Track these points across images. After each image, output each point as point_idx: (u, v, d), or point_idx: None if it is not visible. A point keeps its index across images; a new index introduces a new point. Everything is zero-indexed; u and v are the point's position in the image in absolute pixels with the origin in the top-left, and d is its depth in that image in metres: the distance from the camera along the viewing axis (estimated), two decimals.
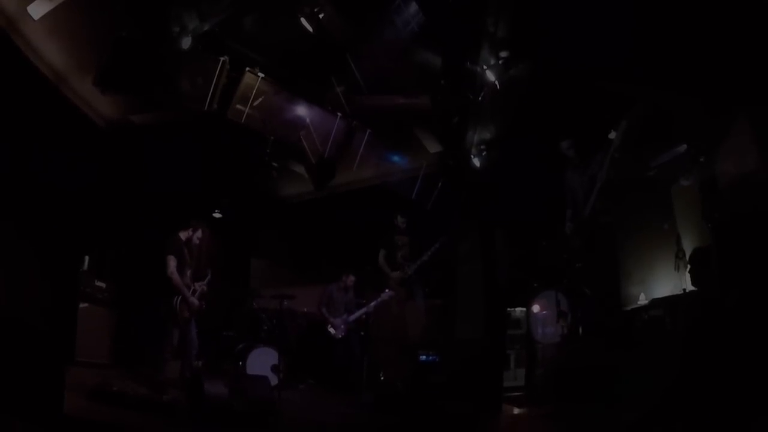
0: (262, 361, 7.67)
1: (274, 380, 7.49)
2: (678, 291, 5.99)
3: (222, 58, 7.34)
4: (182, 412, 5.73)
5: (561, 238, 6.77)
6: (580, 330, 6.62)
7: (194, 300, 6.92)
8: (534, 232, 7.98)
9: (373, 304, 8.40)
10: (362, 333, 8.62)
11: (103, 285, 7.55)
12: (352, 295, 8.71)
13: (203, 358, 7.60)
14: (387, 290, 8.27)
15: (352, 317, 8.42)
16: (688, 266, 5.84)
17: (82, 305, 7.14)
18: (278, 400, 6.31)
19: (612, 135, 5.95)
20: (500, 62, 7.71)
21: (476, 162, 8.42)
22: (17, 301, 5.82)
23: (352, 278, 8.65)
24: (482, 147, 8.39)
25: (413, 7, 7.21)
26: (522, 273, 8.21)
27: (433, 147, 8.96)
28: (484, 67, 7.76)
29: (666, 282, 6.39)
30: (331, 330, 8.42)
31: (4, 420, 4.50)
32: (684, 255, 5.94)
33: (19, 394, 4.72)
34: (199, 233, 7.28)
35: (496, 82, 7.76)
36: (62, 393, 4.79)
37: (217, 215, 9.14)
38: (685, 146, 6.86)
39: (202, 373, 7.05)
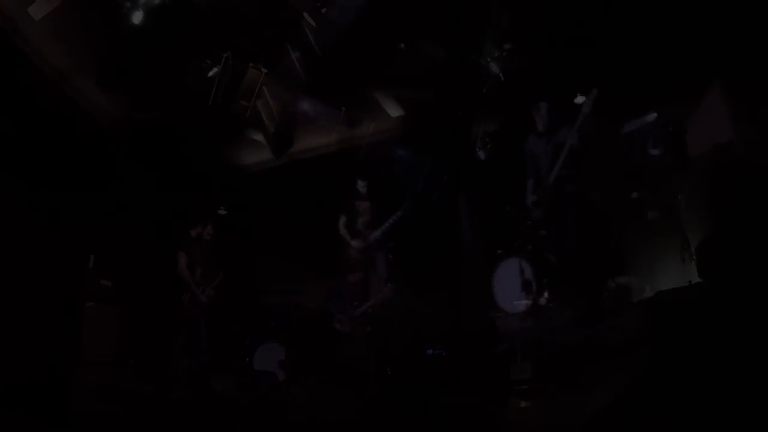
0: (269, 357, 7.71)
1: (281, 376, 7.53)
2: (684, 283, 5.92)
3: (225, 54, 7.33)
4: (189, 409, 5.74)
5: (524, 205, 6.56)
6: (545, 298, 6.47)
7: (203, 297, 6.95)
8: (497, 197, 7.74)
9: (379, 296, 8.34)
10: (368, 328, 8.59)
11: (109, 283, 7.57)
12: (359, 290, 8.65)
13: (210, 354, 7.63)
14: (389, 285, 8.14)
15: (358, 312, 8.36)
16: (694, 258, 5.76)
17: (88, 304, 7.16)
18: (286, 395, 6.33)
19: (579, 99, 5.80)
20: (504, 54, 7.66)
21: (481, 155, 8.39)
22: (22, 301, 5.84)
23: (359, 273, 8.54)
24: (486, 139, 8.36)
25: None
26: (486, 239, 8.06)
27: (395, 111, 8.82)
28: (488, 59, 7.73)
29: (674, 274, 6.34)
30: (337, 325, 8.39)
31: (11, 419, 4.53)
32: (689, 246, 5.86)
33: (26, 393, 4.75)
34: (209, 229, 7.32)
35: (500, 74, 7.73)
36: (69, 392, 4.82)
37: (222, 212, 9.14)
38: (654, 114, 6.76)
39: (209, 369, 7.09)
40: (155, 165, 8.09)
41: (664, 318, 5.37)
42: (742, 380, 3.26)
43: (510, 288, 6.76)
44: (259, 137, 8.66)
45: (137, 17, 6.57)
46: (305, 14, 7.41)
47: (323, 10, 7.39)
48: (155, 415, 5.45)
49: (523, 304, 6.52)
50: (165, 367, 6.73)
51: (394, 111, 8.82)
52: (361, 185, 8.00)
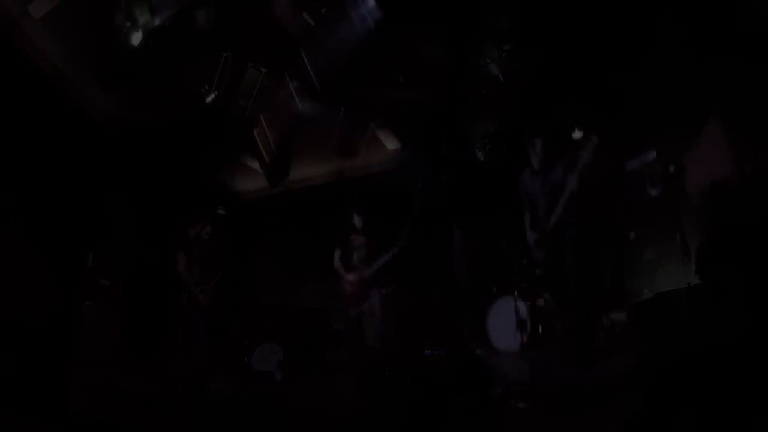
0: (267, 357, 7.69)
1: (279, 376, 7.53)
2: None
3: (224, 54, 7.33)
4: (188, 409, 5.74)
5: (522, 240, 6.48)
6: (540, 334, 6.39)
7: (201, 297, 6.95)
8: (492, 230, 7.60)
9: (377, 298, 8.27)
10: (366, 329, 8.56)
11: (107, 283, 7.56)
12: (359, 290, 8.59)
13: (208, 354, 7.63)
14: (389, 284, 8.08)
15: (356, 312, 8.29)
16: (694, 262, 5.77)
17: (86, 303, 7.15)
18: (284, 396, 6.33)
19: (576, 135, 5.76)
20: (504, 55, 7.66)
21: (480, 156, 8.39)
22: (21, 301, 5.84)
23: (358, 274, 8.50)
24: (486, 140, 8.35)
25: (371, 2, 6.94)
26: (480, 274, 8.05)
27: (391, 143, 8.89)
28: (488, 60, 7.73)
29: (673, 277, 6.36)
30: (336, 325, 8.34)
31: (11, 419, 4.53)
32: (689, 250, 5.88)
33: (24, 393, 4.75)
34: (207, 229, 7.32)
35: (500, 75, 7.73)
36: (67, 391, 4.81)
37: (220, 212, 9.14)
38: (654, 154, 6.79)
39: (207, 369, 7.10)
40: (154, 164, 8.08)
41: (663, 318, 5.43)
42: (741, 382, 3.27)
43: (504, 326, 6.67)
44: (255, 165, 8.77)
45: (136, 39, 6.58)
46: (305, 14, 7.41)
47: (323, 10, 7.40)
48: (154, 415, 5.45)
49: (517, 343, 6.44)
50: (164, 366, 6.72)
51: (390, 144, 8.85)
52: (357, 220, 7.94)
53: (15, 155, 6.31)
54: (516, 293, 6.65)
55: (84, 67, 6.81)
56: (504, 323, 6.65)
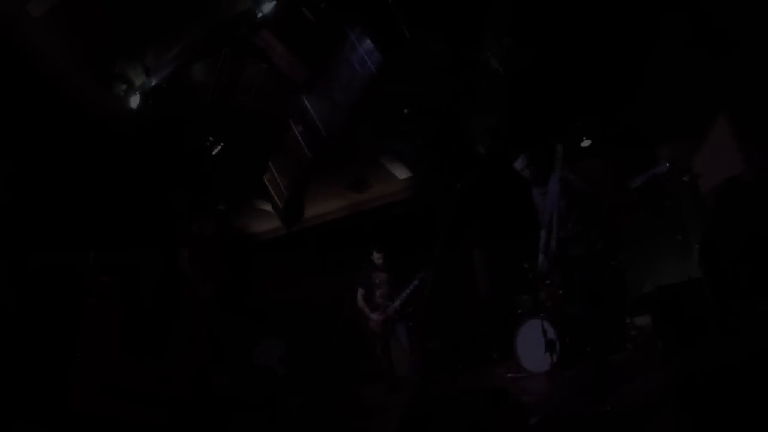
0: (268, 353, 7.71)
1: (281, 372, 7.55)
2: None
3: (224, 49, 7.31)
4: (189, 405, 5.75)
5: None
6: (569, 354, 6.38)
7: (204, 293, 6.95)
8: (513, 251, 7.52)
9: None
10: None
11: (108, 279, 7.56)
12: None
13: (210, 350, 7.63)
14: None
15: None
16: (696, 256, 5.76)
17: (87, 301, 7.15)
18: (285, 391, 6.34)
19: (586, 144, 5.50)
20: (503, 49, 7.60)
21: (481, 150, 8.36)
22: (22, 299, 5.85)
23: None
24: (486, 134, 8.31)
25: (368, 44, 6.78)
26: (504, 296, 8.02)
27: (402, 173, 8.88)
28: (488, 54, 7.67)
29: (673, 271, 6.37)
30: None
31: (12, 418, 4.54)
32: (690, 245, 5.89)
33: (26, 390, 4.77)
34: (211, 225, 7.31)
35: (500, 69, 7.67)
36: (69, 389, 4.82)
37: (221, 207, 9.14)
38: (666, 165, 6.75)
39: (209, 366, 7.11)
40: (155, 161, 8.07)
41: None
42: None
43: (533, 348, 6.58)
44: (268, 208, 8.86)
45: (134, 101, 6.58)
46: (303, 9, 7.36)
47: (322, 5, 7.34)
48: (155, 413, 5.46)
49: (547, 363, 6.39)
50: (165, 363, 6.72)
51: (401, 173, 8.85)
52: (377, 257, 7.80)
53: (14, 153, 6.31)
54: (542, 314, 6.63)
55: (83, 65, 6.80)
56: (533, 344, 6.57)
